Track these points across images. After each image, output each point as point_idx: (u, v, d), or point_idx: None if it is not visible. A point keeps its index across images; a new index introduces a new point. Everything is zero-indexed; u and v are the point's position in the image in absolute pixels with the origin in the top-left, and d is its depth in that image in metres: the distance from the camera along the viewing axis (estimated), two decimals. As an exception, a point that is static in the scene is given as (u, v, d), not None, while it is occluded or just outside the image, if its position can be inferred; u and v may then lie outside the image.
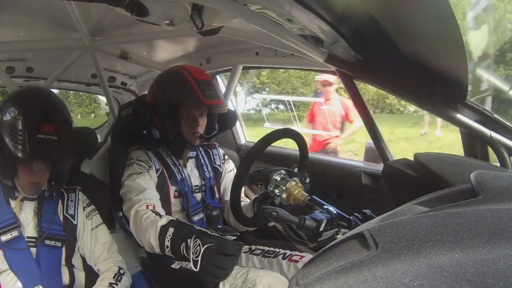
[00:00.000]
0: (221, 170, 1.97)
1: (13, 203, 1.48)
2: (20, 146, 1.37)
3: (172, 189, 1.78)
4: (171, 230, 1.35)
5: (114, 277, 1.54)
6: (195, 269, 1.19)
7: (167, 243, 1.34)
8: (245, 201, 1.86)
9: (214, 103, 1.73)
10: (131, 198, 1.61)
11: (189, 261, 1.24)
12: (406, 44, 1.15)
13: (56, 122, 1.42)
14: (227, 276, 1.22)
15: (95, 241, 1.60)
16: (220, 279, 1.23)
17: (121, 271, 1.58)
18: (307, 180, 1.49)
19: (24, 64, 2.38)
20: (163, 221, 1.42)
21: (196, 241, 1.22)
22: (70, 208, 1.59)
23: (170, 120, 1.74)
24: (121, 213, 1.89)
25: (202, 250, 1.18)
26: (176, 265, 1.71)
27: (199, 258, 1.18)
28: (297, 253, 1.69)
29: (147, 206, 1.57)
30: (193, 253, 1.21)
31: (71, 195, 1.62)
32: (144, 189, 1.63)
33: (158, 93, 1.77)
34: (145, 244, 1.49)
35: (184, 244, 1.27)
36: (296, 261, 1.64)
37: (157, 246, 1.40)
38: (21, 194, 1.48)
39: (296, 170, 1.50)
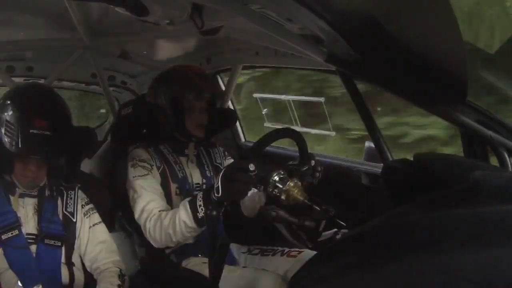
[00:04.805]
0: (222, 168, 1.97)
1: (13, 200, 1.49)
2: (13, 141, 1.38)
3: (174, 186, 1.78)
4: (200, 194, 1.44)
5: (119, 278, 1.54)
6: (217, 194, 1.32)
7: (199, 202, 1.42)
8: None
9: (214, 90, 1.82)
10: (144, 208, 1.63)
11: (219, 207, 1.37)
12: (406, 44, 1.15)
13: (51, 117, 1.42)
14: (243, 194, 1.33)
15: (92, 239, 1.60)
16: (239, 193, 1.32)
17: (122, 272, 1.58)
18: (317, 174, 1.47)
19: (24, 63, 2.38)
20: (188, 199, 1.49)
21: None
22: (70, 205, 1.59)
23: (173, 116, 1.75)
24: (120, 213, 1.88)
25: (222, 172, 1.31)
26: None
27: (219, 180, 1.30)
28: (295, 249, 1.70)
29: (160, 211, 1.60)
30: (215, 183, 1.33)
31: (70, 192, 1.61)
32: (153, 197, 1.65)
33: (159, 91, 1.78)
34: (175, 233, 1.50)
35: (212, 188, 1.36)
36: (295, 256, 1.65)
37: (189, 217, 1.44)
38: (20, 189, 1.48)
39: (296, 164, 1.50)
